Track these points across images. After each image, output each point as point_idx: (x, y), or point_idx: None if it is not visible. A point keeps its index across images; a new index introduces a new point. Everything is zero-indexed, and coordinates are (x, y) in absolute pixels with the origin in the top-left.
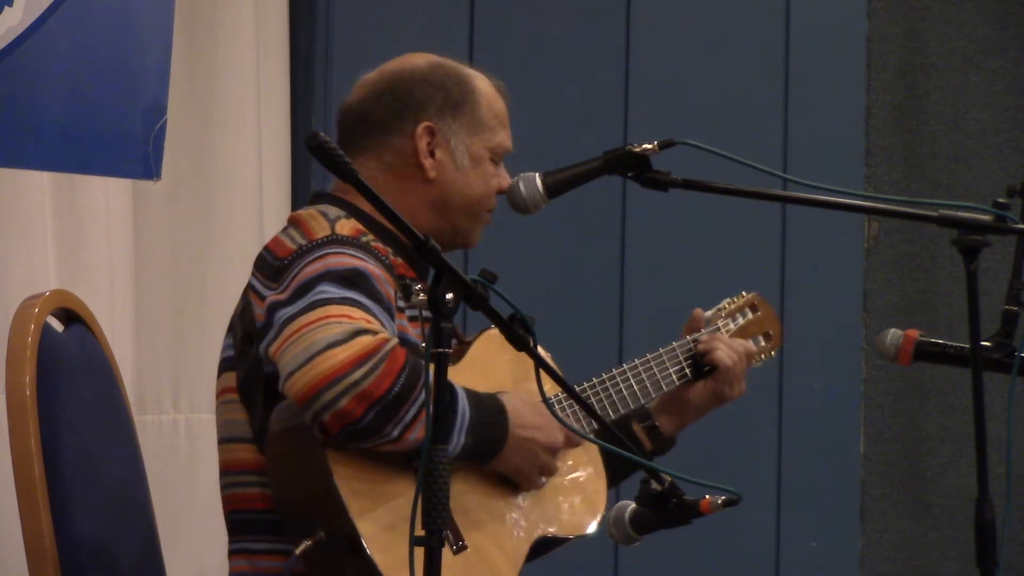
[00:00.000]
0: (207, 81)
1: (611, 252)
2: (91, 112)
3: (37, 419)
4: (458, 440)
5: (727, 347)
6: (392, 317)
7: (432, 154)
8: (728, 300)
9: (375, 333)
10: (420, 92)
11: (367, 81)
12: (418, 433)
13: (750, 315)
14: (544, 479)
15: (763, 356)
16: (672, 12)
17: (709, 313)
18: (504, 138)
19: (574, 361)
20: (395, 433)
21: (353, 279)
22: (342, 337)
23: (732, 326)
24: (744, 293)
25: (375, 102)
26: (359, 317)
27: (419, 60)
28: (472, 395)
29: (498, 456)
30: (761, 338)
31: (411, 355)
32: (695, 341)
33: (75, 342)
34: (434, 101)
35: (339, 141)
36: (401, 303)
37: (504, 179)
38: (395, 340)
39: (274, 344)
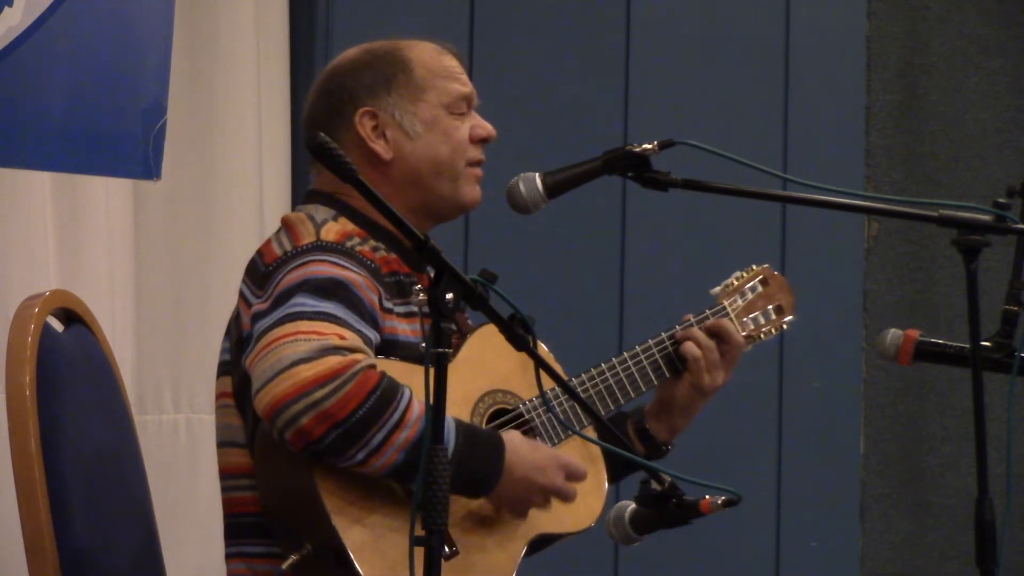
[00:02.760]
0: (207, 81)
1: (611, 252)
2: (91, 112)
3: (37, 419)
4: None
5: (695, 338)
6: (376, 324)
7: (384, 136)
8: (736, 275)
9: (347, 352)
10: (350, 81)
11: (311, 91)
12: (388, 459)
13: (760, 289)
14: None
15: (773, 331)
16: (672, 12)
17: (716, 290)
18: (454, 86)
19: (574, 361)
20: (360, 457)
21: (332, 289)
22: (310, 355)
23: (740, 303)
24: (754, 266)
25: (317, 107)
26: (330, 332)
27: (350, 51)
28: (465, 428)
29: (490, 494)
30: (772, 312)
31: (386, 378)
32: (671, 336)
33: (75, 342)
34: (364, 84)
35: (310, 156)
36: (389, 303)
37: (478, 126)
38: (368, 361)
39: (249, 357)
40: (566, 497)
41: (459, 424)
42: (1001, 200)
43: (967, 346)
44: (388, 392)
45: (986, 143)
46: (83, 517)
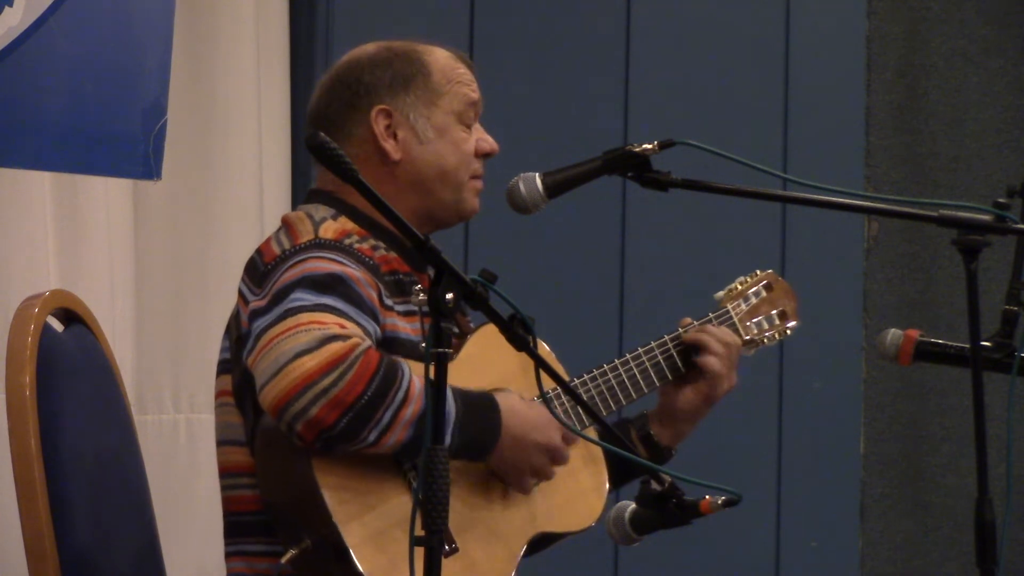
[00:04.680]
0: (207, 81)
1: (611, 252)
2: (91, 112)
3: (37, 419)
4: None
5: (712, 350)
6: (376, 319)
7: (394, 136)
8: (740, 280)
9: (347, 338)
10: (368, 77)
11: (322, 82)
12: (398, 435)
13: (764, 294)
14: (535, 482)
15: (777, 335)
16: (672, 12)
17: (720, 294)
18: (466, 92)
19: (574, 361)
20: (372, 437)
21: (330, 284)
22: (311, 345)
23: (743, 307)
24: (758, 271)
25: (329, 99)
26: (331, 322)
27: (368, 47)
28: (460, 393)
29: (490, 454)
30: (776, 316)
31: (386, 357)
32: (676, 339)
33: (75, 342)
34: (383, 82)
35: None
36: (389, 301)
37: (482, 139)
38: (367, 344)
39: (251, 356)
40: (560, 458)
41: (455, 390)
42: (1001, 200)
43: (967, 346)
44: (390, 371)
45: (986, 143)
46: (83, 517)
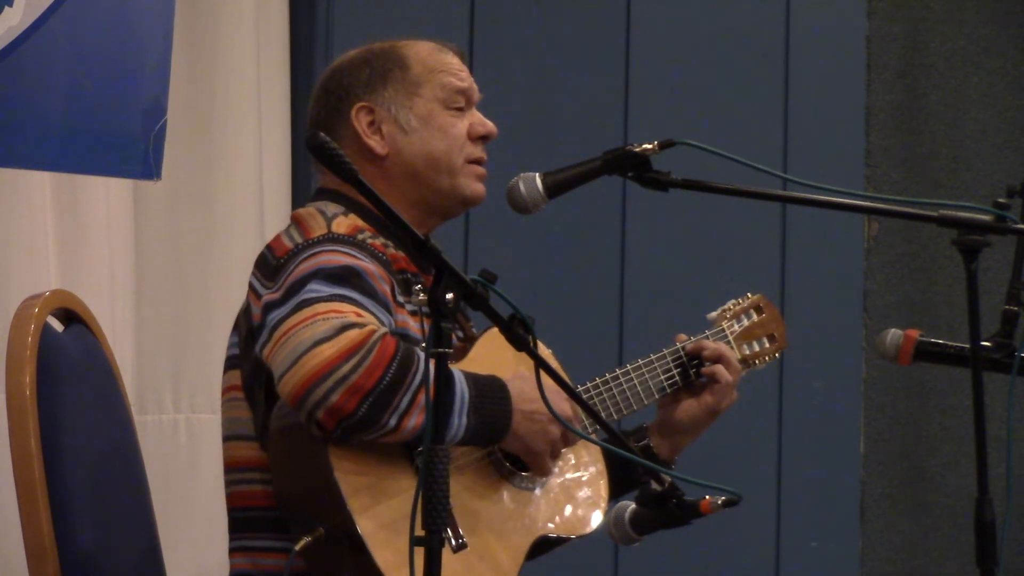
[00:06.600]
0: (207, 81)
1: (611, 252)
2: (91, 112)
3: (37, 419)
4: (459, 422)
5: (731, 365)
6: (390, 311)
7: (380, 131)
8: (733, 301)
9: (363, 326)
10: (347, 79)
11: (312, 93)
12: (416, 419)
13: (755, 317)
14: (555, 462)
15: (767, 358)
16: (672, 12)
17: (713, 315)
18: (450, 81)
19: (574, 362)
20: (392, 422)
21: (345, 276)
22: (329, 333)
23: (736, 328)
24: (749, 295)
25: (317, 108)
26: (347, 311)
27: (350, 52)
28: (471, 376)
29: (506, 435)
30: (765, 340)
31: (402, 343)
32: (675, 353)
33: (75, 342)
34: (360, 80)
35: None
36: (401, 298)
37: (477, 123)
38: (384, 330)
39: (267, 347)
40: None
41: (466, 375)
42: (1001, 200)
43: (967, 346)
44: (407, 355)
45: (986, 143)
46: (84, 517)
